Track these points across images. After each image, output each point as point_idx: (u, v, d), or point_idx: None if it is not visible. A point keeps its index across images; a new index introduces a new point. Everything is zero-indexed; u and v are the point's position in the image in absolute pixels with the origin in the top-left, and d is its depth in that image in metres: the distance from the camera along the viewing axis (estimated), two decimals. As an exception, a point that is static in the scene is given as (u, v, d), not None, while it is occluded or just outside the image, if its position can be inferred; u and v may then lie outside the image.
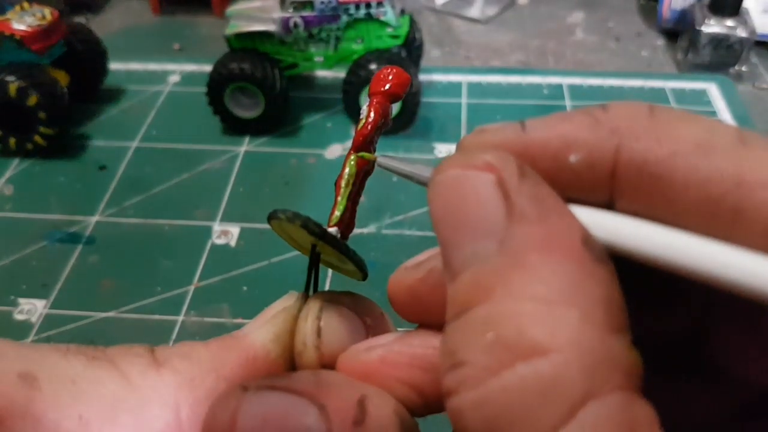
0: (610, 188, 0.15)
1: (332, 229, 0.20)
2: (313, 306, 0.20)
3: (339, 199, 0.21)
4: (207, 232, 0.58)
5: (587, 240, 0.14)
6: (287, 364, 0.19)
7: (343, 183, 0.21)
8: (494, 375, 0.13)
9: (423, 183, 0.18)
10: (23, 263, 0.55)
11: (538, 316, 0.13)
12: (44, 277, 0.54)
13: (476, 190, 0.15)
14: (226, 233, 0.57)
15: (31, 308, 0.51)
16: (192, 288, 0.53)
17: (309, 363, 0.19)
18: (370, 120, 0.20)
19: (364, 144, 0.20)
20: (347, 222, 0.21)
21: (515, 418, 0.13)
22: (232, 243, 0.56)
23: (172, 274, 0.54)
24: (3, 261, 0.56)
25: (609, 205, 0.16)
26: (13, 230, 0.59)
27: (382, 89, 0.20)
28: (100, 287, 0.53)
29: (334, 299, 0.20)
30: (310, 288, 0.21)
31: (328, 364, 0.19)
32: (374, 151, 0.21)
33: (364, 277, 0.21)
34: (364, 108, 0.21)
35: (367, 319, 0.20)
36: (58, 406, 0.16)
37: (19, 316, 0.51)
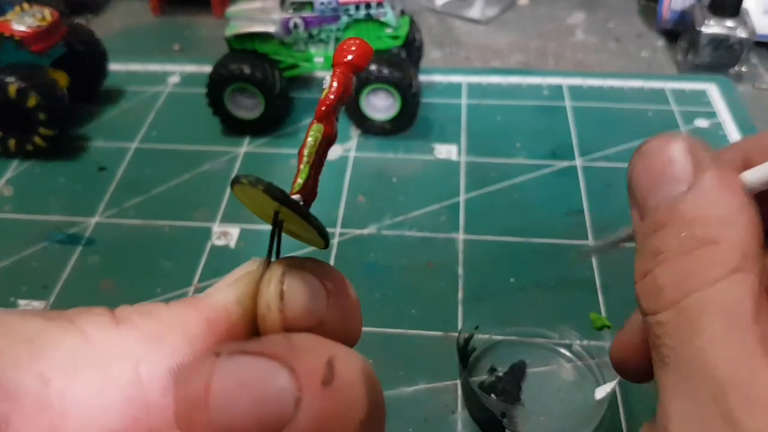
0: None
1: (295, 196, 0.21)
2: (276, 270, 0.20)
3: (302, 167, 0.21)
4: (207, 233, 0.58)
5: (744, 186, 0.21)
6: (248, 326, 0.19)
7: (306, 152, 0.21)
8: (686, 254, 0.20)
9: (627, 240, 0.24)
10: (23, 264, 0.55)
11: (719, 224, 0.20)
12: (44, 278, 0.54)
13: (672, 153, 0.21)
14: (225, 234, 0.57)
15: (31, 309, 0.51)
16: (192, 289, 0.53)
17: (272, 326, 0.19)
18: (333, 89, 0.20)
19: (326, 114, 0.20)
20: (309, 190, 0.21)
21: (694, 271, 0.20)
22: (232, 244, 0.56)
23: (172, 275, 0.54)
24: (3, 262, 0.56)
25: None
26: (12, 231, 0.59)
27: (345, 60, 0.20)
28: (100, 288, 0.53)
29: (297, 264, 0.20)
30: (272, 253, 0.21)
31: (291, 326, 0.19)
32: (337, 120, 0.21)
33: (326, 244, 0.22)
34: (327, 78, 0.21)
35: (329, 283, 0.20)
36: (18, 365, 0.16)
37: (18, 318, 0.51)
